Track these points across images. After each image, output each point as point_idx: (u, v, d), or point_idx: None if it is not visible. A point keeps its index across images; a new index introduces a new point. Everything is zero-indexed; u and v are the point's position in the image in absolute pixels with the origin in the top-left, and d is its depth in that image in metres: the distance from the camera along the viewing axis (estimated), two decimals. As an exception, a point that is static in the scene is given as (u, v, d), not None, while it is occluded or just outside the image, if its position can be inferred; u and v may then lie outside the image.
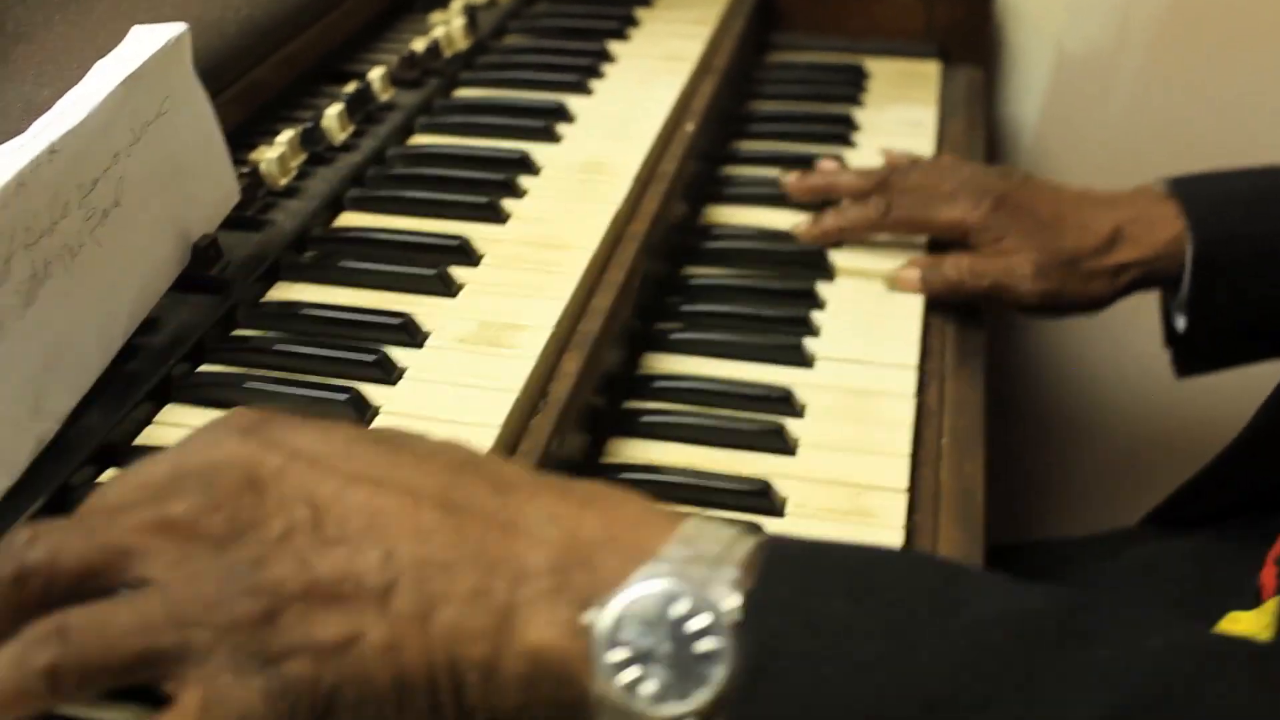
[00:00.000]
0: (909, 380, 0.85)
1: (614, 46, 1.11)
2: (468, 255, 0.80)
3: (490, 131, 0.96)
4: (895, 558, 0.49)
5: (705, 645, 0.44)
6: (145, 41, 0.71)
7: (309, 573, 0.46)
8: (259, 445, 0.49)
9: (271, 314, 0.75)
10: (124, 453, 0.65)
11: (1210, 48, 1.29)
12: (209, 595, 0.46)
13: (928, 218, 0.96)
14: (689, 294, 0.93)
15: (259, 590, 0.46)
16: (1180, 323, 0.97)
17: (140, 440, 0.66)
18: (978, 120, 1.23)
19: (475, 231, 0.82)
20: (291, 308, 0.76)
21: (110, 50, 0.71)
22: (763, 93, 1.22)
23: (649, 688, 0.44)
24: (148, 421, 0.67)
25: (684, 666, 0.44)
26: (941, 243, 0.97)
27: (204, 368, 0.71)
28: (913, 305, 0.92)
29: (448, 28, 1.05)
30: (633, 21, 1.17)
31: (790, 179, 1.02)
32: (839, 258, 0.97)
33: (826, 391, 0.84)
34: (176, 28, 0.72)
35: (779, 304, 0.92)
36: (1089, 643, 0.45)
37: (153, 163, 0.70)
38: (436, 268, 0.77)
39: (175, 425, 0.67)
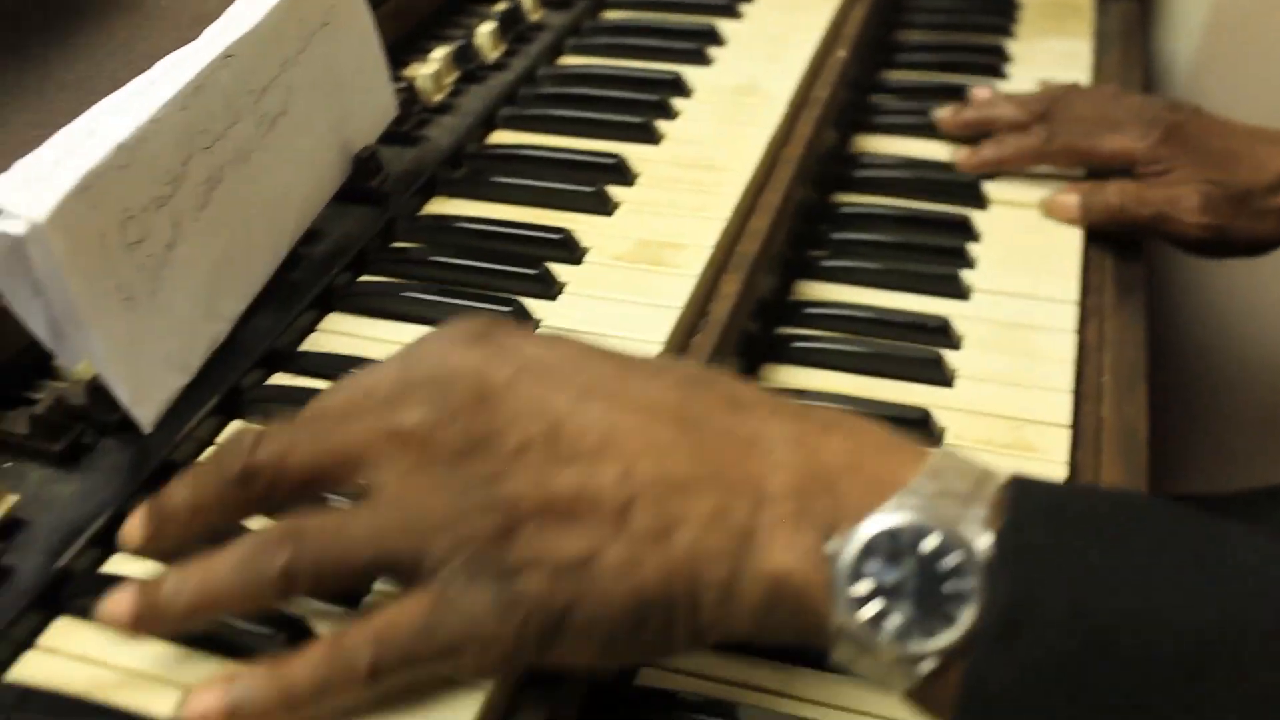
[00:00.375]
0: (1069, 315, 0.82)
1: (764, -30, 1.09)
2: (623, 174, 0.79)
3: (640, 53, 0.95)
4: (1145, 505, 0.46)
5: (955, 585, 0.42)
6: (313, -50, 0.71)
7: (545, 489, 0.45)
8: (487, 355, 0.48)
9: (430, 227, 0.76)
10: (290, 358, 0.66)
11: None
12: (444, 509, 0.45)
13: (1091, 147, 0.92)
14: (839, 222, 0.91)
15: (495, 506, 0.45)
16: None
17: (305, 346, 0.67)
18: (1134, 54, 1.18)
19: (629, 151, 0.82)
20: (449, 221, 0.76)
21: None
22: (911, 22, 1.19)
23: (893, 623, 0.43)
24: (311, 329, 0.68)
25: (930, 604, 0.43)
26: (1101, 175, 0.93)
27: (364, 278, 0.72)
28: (1071, 239, 0.89)
29: (597, -51, 1.04)
30: (783, -55, 1.14)
31: (944, 114, 0.98)
32: (993, 189, 0.94)
33: (983, 324, 0.81)
34: (343, -63, 0.72)
35: (932, 234, 0.89)
36: None
37: (317, 72, 0.71)
38: (593, 185, 0.77)
39: (337, 333, 0.68)
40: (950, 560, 0.43)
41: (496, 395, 0.47)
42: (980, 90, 1.01)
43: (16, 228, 0.52)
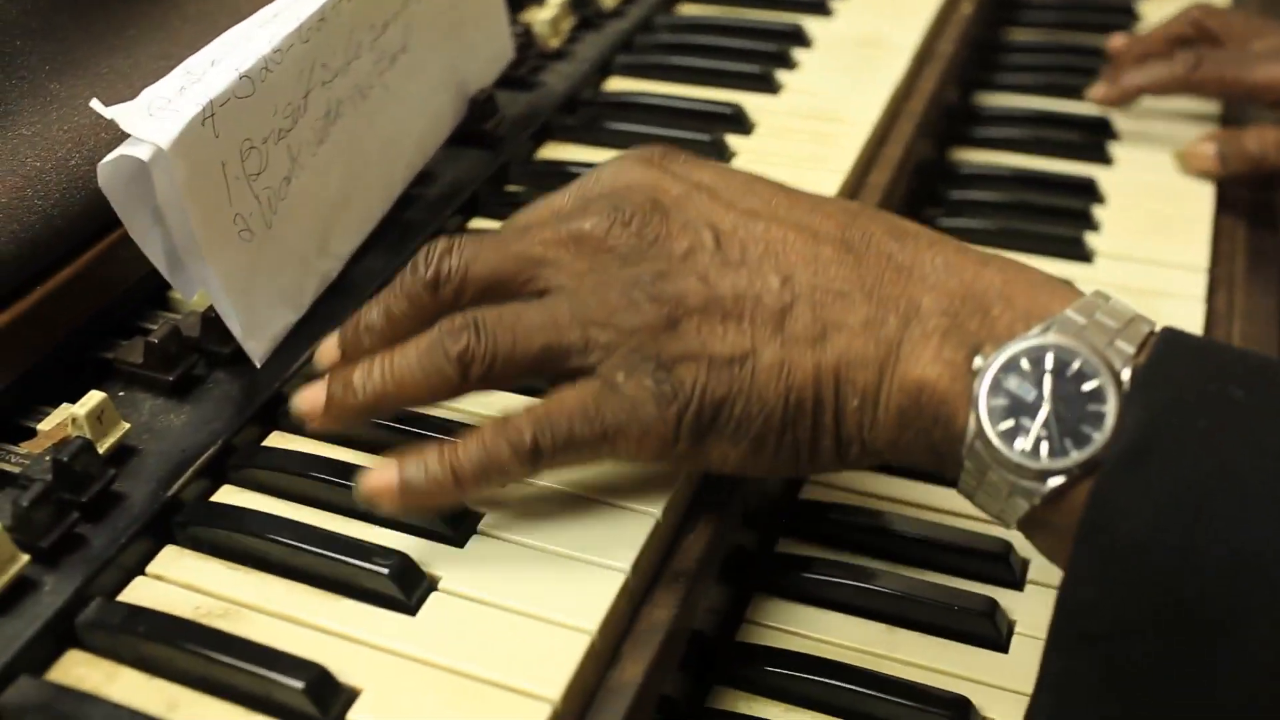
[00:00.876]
0: (1198, 283, 0.79)
1: (887, -78, 1.06)
2: (741, 124, 0.78)
3: (760, 3, 0.93)
4: None
5: (1093, 407, 0.44)
6: (436, -114, 0.70)
7: (710, 289, 0.48)
8: (662, 173, 0.52)
9: (543, 172, 0.75)
10: (401, 298, 0.65)
11: None
12: (614, 301, 0.49)
13: (1239, 76, 0.84)
14: (957, 180, 0.89)
15: (662, 299, 0.48)
16: None
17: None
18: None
19: (748, 101, 0.80)
20: (562, 167, 0.75)
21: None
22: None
23: (1025, 440, 0.44)
24: (423, 270, 0.67)
25: (1064, 425, 0.44)
26: (1240, 120, 0.89)
27: (476, 222, 0.71)
28: (1202, 203, 0.85)
29: (718, -103, 1.02)
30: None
31: (1098, 92, 0.92)
32: (1119, 150, 0.90)
33: (1107, 289, 0.78)
34: (466, -126, 0.71)
35: (1054, 195, 0.86)
36: None
37: (438, 11, 0.70)
38: (710, 134, 0.75)
39: (449, 276, 0.67)
40: (1091, 384, 0.44)
41: (669, 207, 0.50)
42: (1117, 39, 0.97)
43: (141, 152, 0.52)
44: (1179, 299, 0.78)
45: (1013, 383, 0.45)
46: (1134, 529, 0.42)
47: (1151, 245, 0.82)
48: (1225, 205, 0.87)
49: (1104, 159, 0.89)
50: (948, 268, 0.49)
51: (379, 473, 0.50)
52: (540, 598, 0.49)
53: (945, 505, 0.63)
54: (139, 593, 0.50)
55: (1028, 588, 0.60)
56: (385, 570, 0.49)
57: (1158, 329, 0.46)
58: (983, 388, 0.45)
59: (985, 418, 0.45)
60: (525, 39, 0.81)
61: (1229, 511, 0.41)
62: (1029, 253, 0.81)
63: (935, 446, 0.48)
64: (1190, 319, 0.76)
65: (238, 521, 0.52)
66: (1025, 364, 0.45)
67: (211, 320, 0.58)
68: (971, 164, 0.91)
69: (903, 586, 0.58)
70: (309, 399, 0.52)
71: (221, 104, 0.54)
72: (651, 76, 0.84)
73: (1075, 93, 0.97)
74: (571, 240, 0.51)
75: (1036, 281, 0.49)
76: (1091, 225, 0.84)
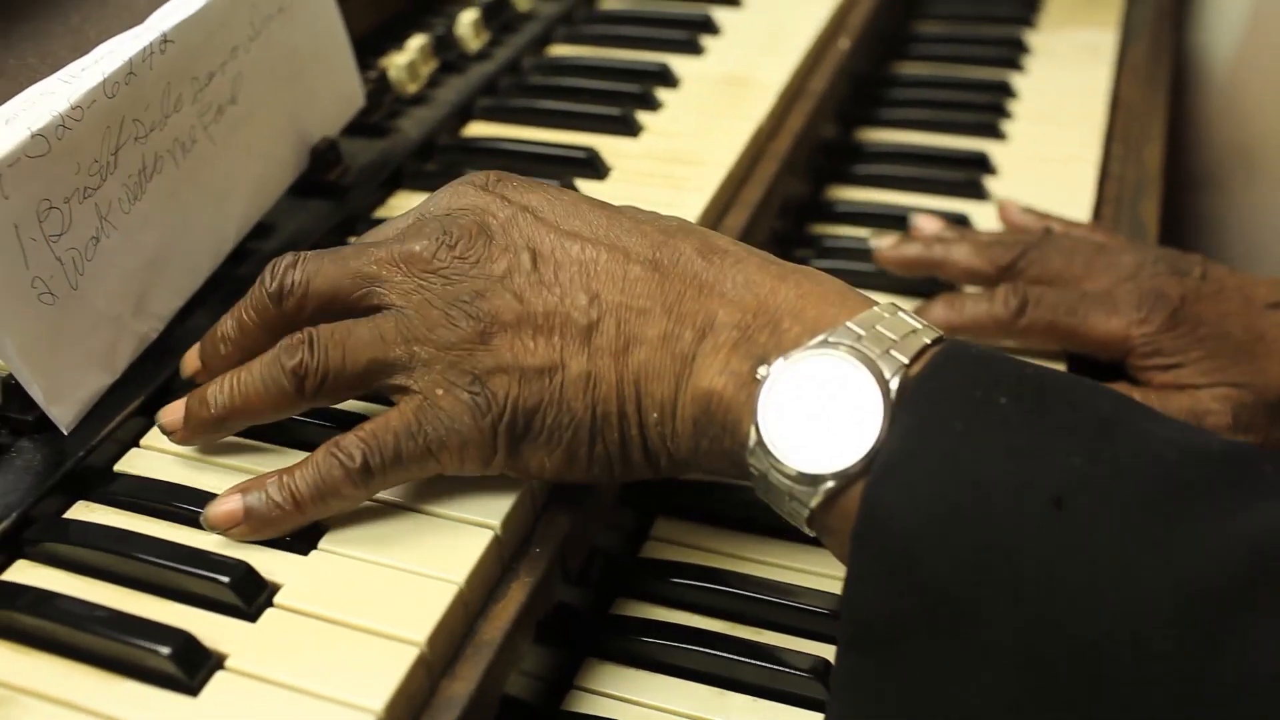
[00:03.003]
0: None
1: (768, -42, 1.05)
2: (595, 168, 0.76)
3: (631, 43, 0.92)
4: (1075, 379, 0.48)
5: (861, 416, 0.46)
6: (268, -67, 0.68)
7: (523, 306, 0.52)
8: (493, 197, 0.55)
9: (389, 222, 0.73)
10: (230, 357, 0.63)
11: None
12: (435, 318, 0.52)
13: (1074, 327, 0.71)
14: (833, 219, 0.88)
15: (478, 316, 0.52)
16: None
17: (247, 345, 0.65)
18: (1164, 49, 1.13)
19: (605, 144, 0.79)
20: (410, 217, 0.73)
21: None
22: (927, 11, 1.15)
23: (799, 446, 0.47)
24: (257, 326, 0.66)
25: (835, 432, 0.46)
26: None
27: (317, 274, 0.69)
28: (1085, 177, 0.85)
29: (594, -65, 1.01)
30: (789, -68, 1.10)
31: (883, 245, 0.78)
32: (995, 185, 0.89)
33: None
34: (300, -80, 0.69)
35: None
36: (1264, 490, 0.42)
37: (272, 60, 0.68)
38: (562, 180, 0.74)
39: (285, 332, 0.66)
40: (860, 393, 0.46)
41: (495, 228, 0.54)
42: (925, 220, 0.81)
43: (-86, 219, 0.49)
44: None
45: (789, 390, 0.48)
46: (901, 530, 0.44)
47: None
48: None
49: (981, 195, 0.89)
50: (747, 284, 0.51)
51: (223, 502, 0.53)
52: (375, 609, 0.49)
53: (789, 562, 0.62)
54: (-88, 681, 0.48)
55: (865, 644, 0.58)
56: (166, 650, 0.47)
57: (941, 340, 0.49)
58: (762, 396, 0.48)
59: (763, 425, 0.48)
60: (380, 84, 0.79)
61: (978, 510, 0.43)
62: (907, 295, 0.80)
63: (729, 454, 0.51)
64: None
65: (18, 601, 0.50)
66: (802, 373, 0.48)
67: (13, 387, 0.56)
68: (849, 202, 0.90)
69: (731, 649, 0.57)
70: (171, 413, 0.56)
71: (10, 164, 0.52)
72: (512, 120, 0.82)
73: (955, 128, 0.96)
74: (402, 260, 0.54)
75: (829, 295, 0.51)
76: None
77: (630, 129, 0.80)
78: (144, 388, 0.59)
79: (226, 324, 0.57)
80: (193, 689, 0.47)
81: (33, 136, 0.53)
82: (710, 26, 0.93)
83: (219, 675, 0.47)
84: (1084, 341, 0.72)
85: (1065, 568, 0.42)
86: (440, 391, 0.52)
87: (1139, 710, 0.40)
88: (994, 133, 0.96)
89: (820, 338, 0.48)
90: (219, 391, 0.55)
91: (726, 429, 0.50)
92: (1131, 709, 0.40)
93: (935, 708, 0.44)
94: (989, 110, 0.98)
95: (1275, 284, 0.73)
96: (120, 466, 0.57)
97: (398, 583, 0.51)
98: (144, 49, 0.59)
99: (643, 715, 0.56)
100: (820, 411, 0.47)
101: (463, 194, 0.56)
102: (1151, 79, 1.07)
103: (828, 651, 0.57)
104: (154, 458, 0.57)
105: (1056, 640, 0.41)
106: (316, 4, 0.72)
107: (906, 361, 0.47)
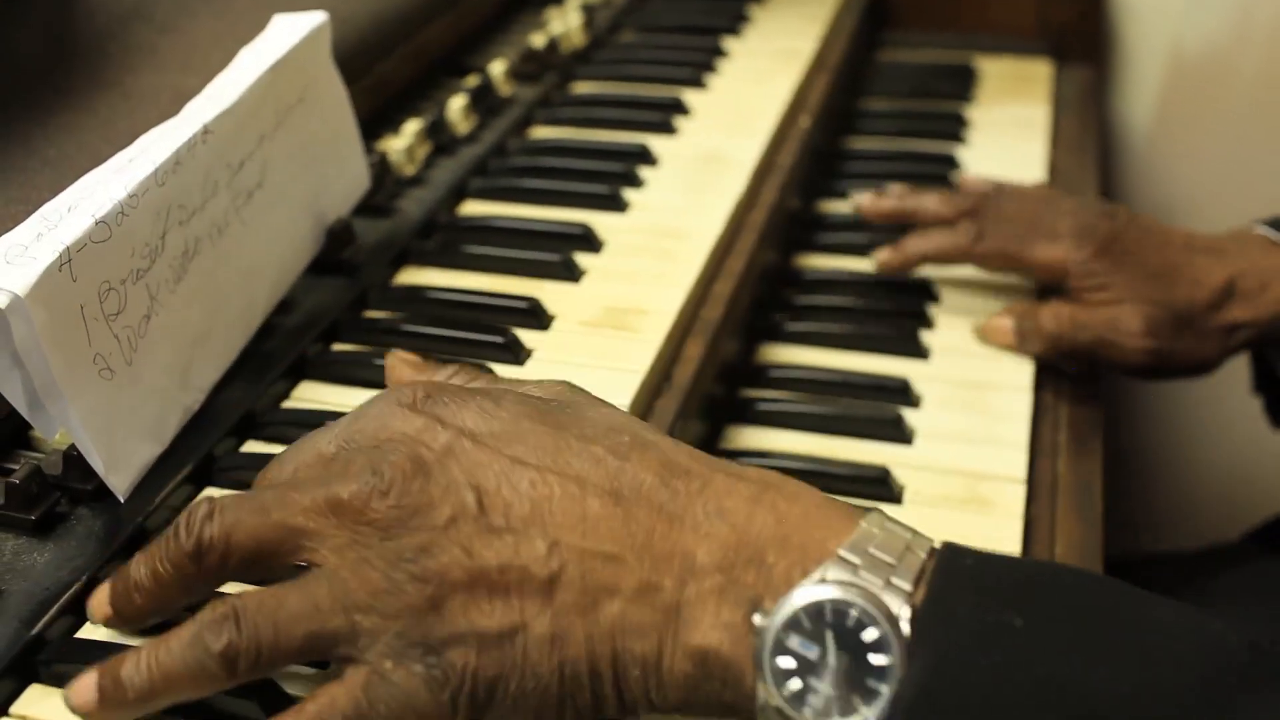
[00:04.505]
0: (1026, 373, 0.85)
1: (728, 42, 1.12)
2: (590, 242, 0.81)
3: (608, 124, 0.98)
4: (1073, 574, 0.48)
5: (876, 660, 0.43)
6: (288, 29, 0.73)
7: (474, 561, 0.46)
8: (426, 423, 0.50)
9: (401, 297, 0.77)
10: (263, 426, 0.67)
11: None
12: (376, 581, 0.47)
13: (1021, 253, 0.86)
14: (804, 286, 0.94)
15: (425, 578, 0.46)
16: None
17: (281, 413, 0.68)
18: (1091, 120, 1.22)
19: (597, 220, 0.84)
20: (420, 291, 0.78)
21: (251, 39, 0.73)
22: (873, 89, 1.23)
23: (815, 700, 0.44)
24: (284, 397, 0.70)
25: (852, 680, 0.44)
26: (1047, 290, 0.89)
27: (337, 347, 0.73)
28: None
29: (566, 25, 1.07)
30: (745, 18, 1.18)
31: (864, 200, 0.93)
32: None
33: (941, 383, 0.84)
34: (318, 17, 0.74)
35: (893, 296, 0.92)
36: None
37: (293, 147, 0.73)
38: (560, 253, 0.79)
39: (310, 401, 0.70)
40: (871, 634, 0.44)
41: (430, 466, 0.48)
42: (897, 186, 0.94)
43: (-2, 301, 0.53)
44: (1008, 390, 0.83)
45: (795, 641, 0.44)
46: None
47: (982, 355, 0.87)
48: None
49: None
50: (720, 513, 0.47)
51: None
52: None
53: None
54: (3, 734, 0.51)
55: None
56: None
57: (932, 550, 0.47)
58: (765, 650, 0.45)
59: (772, 683, 0.44)
60: (381, 167, 0.84)
61: None
62: (871, 352, 0.87)
63: (730, 706, 0.47)
64: (1019, 409, 0.81)
65: (104, 656, 0.53)
66: (805, 620, 0.44)
67: (74, 458, 0.59)
68: (816, 269, 0.96)
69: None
70: (82, 693, 0.49)
71: (78, 249, 0.56)
72: (505, 199, 0.88)
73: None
74: (330, 509, 0.48)
75: (811, 517, 0.47)
76: (927, 323, 0.89)
77: (618, 205, 0.86)
78: (190, 457, 0.63)
79: (140, 570, 0.51)
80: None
81: (96, 224, 0.57)
82: (681, 108, 0.99)
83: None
84: (1029, 265, 0.87)
85: None
86: (389, 664, 0.46)
87: None
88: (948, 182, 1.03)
89: (816, 576, 0.45)
90: (135, 672, 0.48)
91: (728, 684, 0.46)
92: None
93: None
94: (938, 180, 1.05)
95: (1186, 233, 0.89)
96: (174, 530, 0.61)
97: None
98: (189, 140, 0.63)
99: None
100: (831, 661, 0.44)
101: (391, 418, 0.51)
102: (1081, 149, 1.16)
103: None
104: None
105: None
106: (331, 94, 0.77)
107: (910, 589, 0.44)
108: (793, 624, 0.44)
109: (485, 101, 0.95)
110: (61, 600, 0.55)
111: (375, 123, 0.90)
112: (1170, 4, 1.32)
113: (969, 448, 0.78)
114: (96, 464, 0.59)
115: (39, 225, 0.57)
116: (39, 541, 0.58)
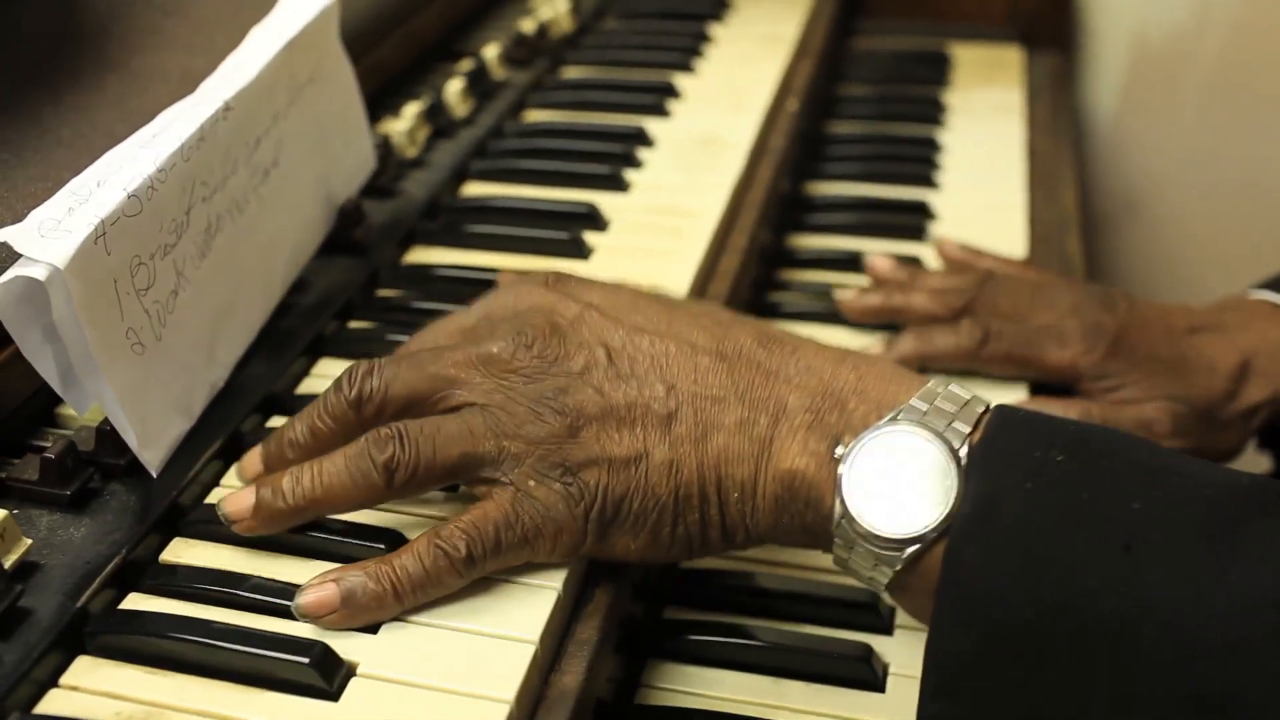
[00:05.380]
0: (1021, 393, 0.86)
1: (712, 28, 1.14)
2: (596, 221, 0.82)
3: (602, 108, 0.99)
4: (1111, 431, 0.54)
5: (936, 482, 0.51)
6: (298, 8, 0.73)
7: (605, 399, 0.55)
8: (559, 296, 0.58)
9: (413, 276, 0.78)
10: (286, 402, 0.67)
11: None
12: (522, 415, 0.55)
13: (1032, 357, 0.81)
14: (797, 264, 0.95)
15: (564, 411, 0.54)
16: None
17: (300, 391, 0.69)
18: (1063, 104, 1.25)
19: (600, 199, 0.85)
20: (431, 270, 0.78)
21: (253, 20, 0.73)
22: (852, 76, 1.24)
23: (883, 514, 0.51)
24: (305, 374, 0.70)
25: (916, 499, 0.51)
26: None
27: (353, 324, 0.74)
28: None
29: (554, 11, 1.08)
30: (727, 4, 1.19)
31: (846, 297, 0.85)
32: (935, 228, 0.98)
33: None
34: (326, -3, 0.75)
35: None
36: None
37: (304, 126, 0.73)
38: (569, 231, 0.80)
39: (329, 377, 0.69)
40: (935, 460, 0.51)
41: (565, 328, 0.57)
42: (879, 261, 0.88)
43: (37, 272, 0.53)
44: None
45: (869, 466, 0.52)
46: (982, 581, 0.48)
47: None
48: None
49: (923, 238, 0.97)
50: (809, 370, 0.56)
51: (318, 589, 0.53)
52: (457, 674, 0.51)
53: (814, 563, 0.68)
54: (56, 704, 0.51)
55: (897, 632, 0.65)
56: (306, 660, 0.50)
57: (992, 406, 0.54)
58: (844, 472, 0.52)
59: (849, 498, 0.52)
60: (385, 149, 0.84)
61: (1055, 555, 0.48)
62: (861, 329, 0.87)
63: (809, 527, 0.54)
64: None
65: (150, 626, 0.53)
66: (879, 449, 0.52)
67: (107, 433, 0.59)
68: (808, 249, 0.97)
69: (783, 640, 0.63)
70: (238, 502, 0.56)
71: (112, 223, 0.56)
72: (506, 180, 0.88)
73: (892, 178, 1.05)
74: (481, 362, 0.56)
75: (885, 374, 0.56)
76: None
77: (620, 185, 0.87)
78: (219, 432, 0.63)
79: (296, 429, 0.58)
80: (333, 695, 0.50)
81: (129, 197, 0.57)
82: (672, 91, 1.01)
83: (354, 681, 0.51)
84: (1039, 369, 0.82)
85: (1143, 602, 0.46)
86: (533, 483, 0.54)
87: (1234, 711, 0.45)
88: (929, 182, 1.05)
89: (890, 415, 0.53)
90: (297, 483, 0.55)
91: (810, 505, 0.54)
92: (1227, 710, 0.45)
93: None
94: (921, 162, 1.07)
95: (1186, 312, 0.85)
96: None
97: (475, 646, 0.53)
98: (212, 116, 0.63)
99: (708, 704, 0.61)
100: (898, 482, 0.51)
101: (527, 294, 0.59)
102: (1056, 132, 1.18)
103: (863, 639, 0.63)
104: (237, 495, 0.61)
105: (1146, 668, 0.46)
106: (339, 73, 0.77)
107: (969, 430, 0.52)
108: (868, 450, 0.52)
109: (480, 85, 0.96)
110: (103, 573, 0.55)
111: (373, 107, 0.89)
112: (1134, -9, 1.35)
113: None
114: (130, 439, 0.59)
115: (69, 200, 0.57)
116: (74, 517, 0.58)
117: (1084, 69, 1.42)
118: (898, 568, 0.52)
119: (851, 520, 0.52)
